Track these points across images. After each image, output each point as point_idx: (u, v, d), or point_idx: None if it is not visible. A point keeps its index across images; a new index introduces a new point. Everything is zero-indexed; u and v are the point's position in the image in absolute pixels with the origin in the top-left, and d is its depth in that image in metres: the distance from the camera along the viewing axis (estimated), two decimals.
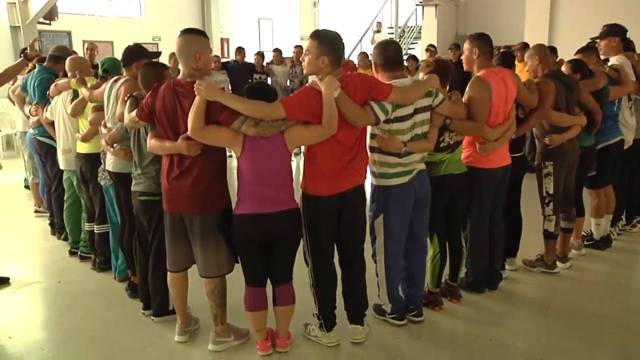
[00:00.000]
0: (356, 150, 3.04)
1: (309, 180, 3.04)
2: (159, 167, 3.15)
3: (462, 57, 3.67)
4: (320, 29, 3.19)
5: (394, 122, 3.08)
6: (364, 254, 3.26)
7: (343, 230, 3.13)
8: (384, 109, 2.99)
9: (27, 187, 6.83)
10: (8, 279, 4.24)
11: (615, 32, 4.75)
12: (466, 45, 3.62)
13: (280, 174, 2.93)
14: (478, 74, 3.54)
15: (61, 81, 4.48)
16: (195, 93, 2.76)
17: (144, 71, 3.33)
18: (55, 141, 4.64)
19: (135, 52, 3.71)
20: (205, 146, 2.88)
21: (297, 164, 7.71)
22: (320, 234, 3.08)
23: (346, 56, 9.59)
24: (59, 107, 4.42)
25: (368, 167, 3.24)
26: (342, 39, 3.00)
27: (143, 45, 4.05)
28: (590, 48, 4.63)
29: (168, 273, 3.22)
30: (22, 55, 4.97)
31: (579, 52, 4.62)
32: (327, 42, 2.94)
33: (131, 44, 3.84)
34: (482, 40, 3.58)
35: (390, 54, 3.22)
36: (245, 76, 9.31)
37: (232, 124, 2.79)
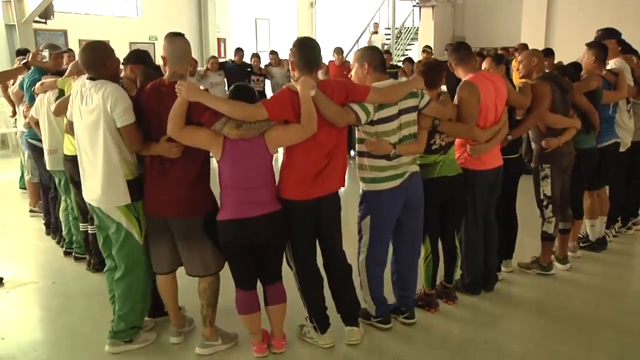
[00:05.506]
0: (333, 155, 3.03)
1: (284, 183, 3.04)
2: (142, 170, 3.13)
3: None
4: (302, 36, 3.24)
5: (379, 123, 3.08)
6: (345, 255, 3.26)
7: (322, 235, 3.15)
8: (364, 109, 3.00)
9: (22, 187, 6.79)
10: (2, 279, 4.22)
11: (610, 35, 4.73)
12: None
13: (261, 176, 2.92)
14: (466, 78, 3.56)
15: (48, 80, 4.42)
16: (177, 93, 2.76)
17: (146, 73, 3.33)
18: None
19: (139, 56, 3.68)
20: (186, 148, 2.87)
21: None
22: (299, 238, 3.09)
23: (340, 57, 9.58)
24: (44, 105, 4.36)
25: (357, 173, 3.23)
26: (310, 45, 3.05)
27: (138, 45, 4.03)
28: (593, 47, 4.47)
29: (156, 275, 3.21)
30: (17, 55, 4.93)
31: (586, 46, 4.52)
32: (293, 46, 3.03)
33: (140, 49, 3.82)
34: (458, 50, 3.70)
35: (382, 57, 3.32)
36: (243, 77, 9.30)
37: (214, 125, 2.79)
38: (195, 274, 3.09)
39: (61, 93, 4.22)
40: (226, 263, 3.12)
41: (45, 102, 4.37)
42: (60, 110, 4.06)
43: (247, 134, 2.81)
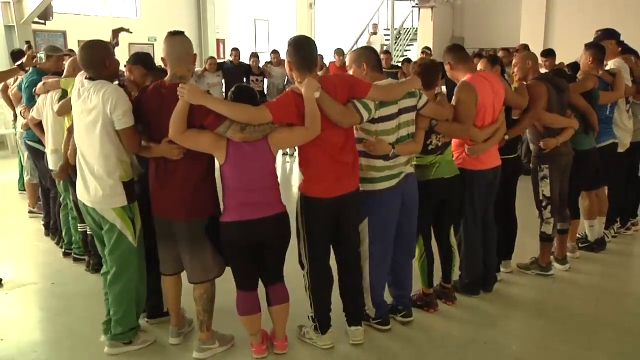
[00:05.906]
0: (347, 152, 3.03)
1: (308, 182, 3.03)
2: (145, 170, 3.13)
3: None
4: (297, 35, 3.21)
5: (379, 122, 3.09)
6: (359, 255, 3.25)
7: (341, 233, 3.13)
8: (367, 107, 3.00)
9: (21, 190, 6.78)
10: (1, 280, 4.21)
11: (609, 35, 4.74)
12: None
13: (265, 178, 2.91)
14: (464, 79, 3.57)
15: (50, 80, 4.41)
16: (179, 96, 2.74)
17: (155, 77, 3.31)
18: (43, 146, 4.59)
19: (140, 59, 3.61)
20: (189, 150, 2.85)
21: (291, 166, 7.71)
22: (318, 237, 3.07)
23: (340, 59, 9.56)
24: (47, 106, 4.35)
25: None
26: (307, 43, 3.01)
27: (138, 46, 4.02)
28: (591, 47, 4.49)
29: (162, 276, 3.21)
30: (12, 56, 4.89)
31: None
32: (289, 46, 2.98)
33: (143, 51, 3.82)
34: (453, 51, 3.70)
35: (378, 58, 3.32)
36: (242, 77, 9.28)
37: (218, 128, 2.77)
38: (195, 280, 3.07)
39: (64, 94, 4.21)
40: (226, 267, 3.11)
41: (48, 103, 4.36)
42: (64, 111, 4.07)
43: (252, 137, 2.80)
